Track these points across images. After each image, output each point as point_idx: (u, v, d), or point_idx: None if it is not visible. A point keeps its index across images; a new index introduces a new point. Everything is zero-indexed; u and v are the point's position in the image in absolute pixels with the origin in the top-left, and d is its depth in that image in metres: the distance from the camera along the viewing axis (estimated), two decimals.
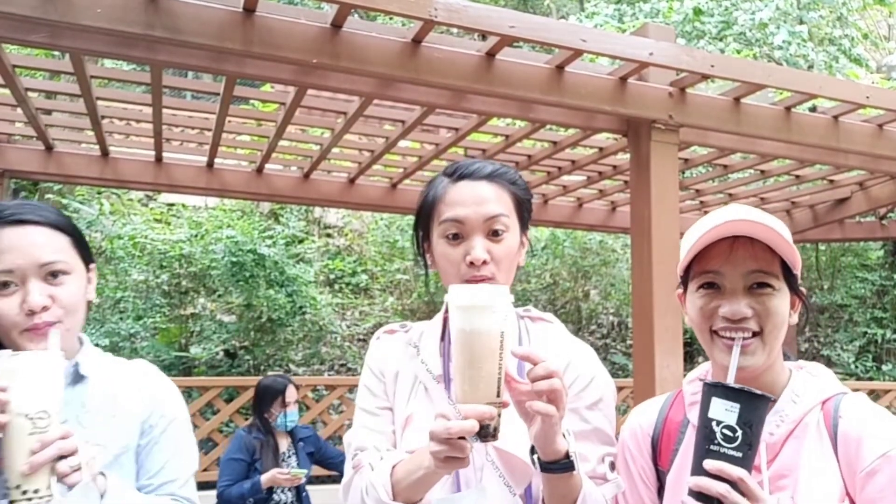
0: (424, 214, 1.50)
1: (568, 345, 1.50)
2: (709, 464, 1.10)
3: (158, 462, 1.49)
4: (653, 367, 3.36)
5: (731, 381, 1.18)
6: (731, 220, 1.24)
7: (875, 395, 7.63)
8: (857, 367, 9.22)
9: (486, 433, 1.14)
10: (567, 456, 1.23)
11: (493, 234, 1.41)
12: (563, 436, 1.23)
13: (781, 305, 1.26)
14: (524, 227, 1.50)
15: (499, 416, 1.15)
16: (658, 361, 3.36)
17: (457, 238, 1.42)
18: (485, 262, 1.38)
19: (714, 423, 1.12)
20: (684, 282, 1.37)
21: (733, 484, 1.08)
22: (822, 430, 1.24)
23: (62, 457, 1.17)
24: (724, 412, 1.11)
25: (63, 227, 1.42)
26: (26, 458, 1.14)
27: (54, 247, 1.38)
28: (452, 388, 1.21)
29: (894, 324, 9.55)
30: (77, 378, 1.45)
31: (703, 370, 1.45)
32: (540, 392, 1.16)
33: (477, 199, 1.41)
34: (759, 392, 1.12)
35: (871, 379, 8.93)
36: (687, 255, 1.30)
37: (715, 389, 1.14)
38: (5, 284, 1.34)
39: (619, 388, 7.90)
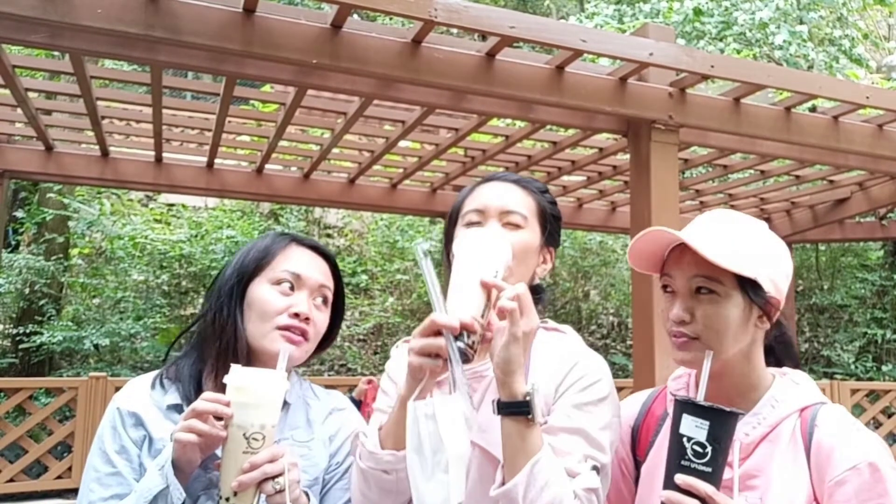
0: (452, 217, 1.53)
1: (580, 350, 1.46)
2: (679, 479, 1.15)
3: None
4: (653, 367, 3.36)
5: (701, 397, 1.21)
6: (655, 230, 1.33)
7: (875, 395, 7.62)
8: (857, 367, 9.22)
9: (464, 342, 1.19)
10: (525, 398, 1.21)
11: (510, 226, 1.43)
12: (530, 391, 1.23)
13: (723, 312, 1.28)
14: (548, 240, 1.51)
15: (479, 337, 1.22)
16: (658, 361, 3.36)
17: (475, 224, 1.45)
18: None
19: (685, 440, 1.16)
20: None
21: (703, 499, 1.13)
22: (798, 437, 1.28)
23: (270, 476, 1.22)
24: (695, 429, 1.15)
25: (337, 273, 1.58)
26: (237, 475, 1.21)
27: (329, 281, 1.54)
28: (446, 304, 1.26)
29: (894, 324, 9.54)
30: (283, 403, 1.49)
31: (683, 371, 1.48)
32: (506, 300, 1.21)
33: (498, 193, 1.47)
34: (728, 409, 1.16)
35: (871, 379, 8.92)
36: (632, 262, 1.40)
37: (686, 406, 1.17)
38: (289, 284, 1.47)
39: (620, 389, 7.90)
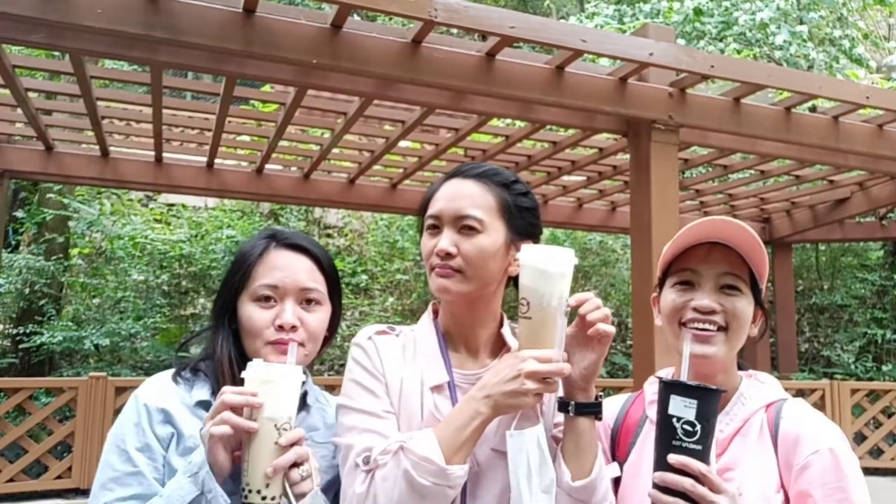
0: (421, 214, 1.51)
1: None
2: (673, 458, 1.18)
3: None
4: (653, 367, 3.36)
5: (684, 375, 1.27)
6: (711, 219, 1.39)
7: (875, 395, 7.60)
8: (857, 367, 9.20)
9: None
10: (597, 399, 1.35)
11: (465, 231, 1.40)
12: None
13: (746, 309, 1.41)
14: (519, 233, 1.44)
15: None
16: (658, 361, 3.36)
17: (434, 229, 1.44)
18: (449, 255, 1.38)
19: (674, 420, 1.20)
20: (661, 284, 1.51)
21: (696, 477, 1.17)
22: (765, 430, 1.39)
23: (295, 464, 1.25)
24: (684, 408, 1.20)
25: (325, 265, 1.55)
26: (269, 463, 1.23)
27: (315, 278, 1.51)
28: (526, 338, 1.30)
29: (894, 324, 9.53)
30: (303, 405, 1.51)
31: (665, 373, 1.56)
32: (594, 321, 1.29)
33: (454, 195, 1.43)
34: (713, 387, 1.23)
35: (871, 379, 8.90)
36: (670, 252, 1.46)
37: (674, 387, 1.22)
38: (267, 298, 1.45)
39: (619, 389, 7.93)
